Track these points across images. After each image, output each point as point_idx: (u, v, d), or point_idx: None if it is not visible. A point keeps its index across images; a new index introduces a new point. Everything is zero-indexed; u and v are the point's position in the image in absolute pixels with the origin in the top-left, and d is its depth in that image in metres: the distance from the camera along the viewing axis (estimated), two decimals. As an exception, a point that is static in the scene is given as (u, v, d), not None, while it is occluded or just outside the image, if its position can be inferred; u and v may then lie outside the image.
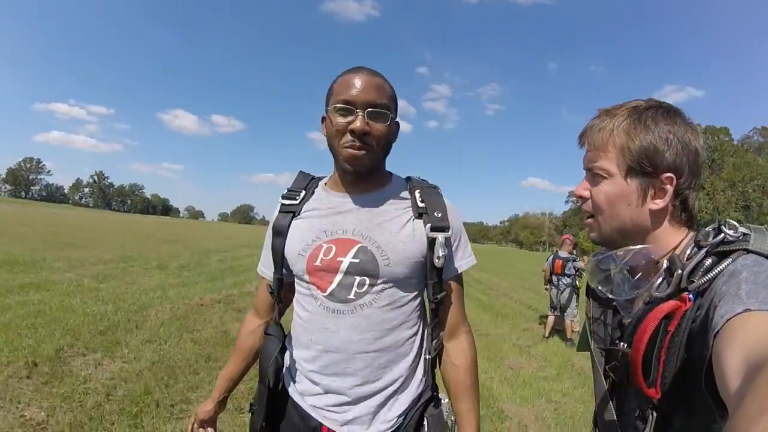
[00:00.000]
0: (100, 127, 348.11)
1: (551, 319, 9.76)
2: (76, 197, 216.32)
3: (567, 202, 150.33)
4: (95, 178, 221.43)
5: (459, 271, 1.71)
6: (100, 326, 6.63)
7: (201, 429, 1.91)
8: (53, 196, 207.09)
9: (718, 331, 0.81)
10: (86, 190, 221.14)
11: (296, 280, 1.68)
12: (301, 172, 1.83)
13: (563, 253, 9.93)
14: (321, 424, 1.58)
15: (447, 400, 1.71)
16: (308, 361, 1.61)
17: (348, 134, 1.49)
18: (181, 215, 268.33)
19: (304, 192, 1.72)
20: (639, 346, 0.97)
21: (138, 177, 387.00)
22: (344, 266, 1.54)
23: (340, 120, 1.49)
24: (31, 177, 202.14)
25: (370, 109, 1.48)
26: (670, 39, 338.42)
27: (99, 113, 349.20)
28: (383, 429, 1.56)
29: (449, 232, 1.59)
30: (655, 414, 1.04)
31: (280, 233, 1.66)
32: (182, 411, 4.33)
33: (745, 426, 0.58)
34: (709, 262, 0.99)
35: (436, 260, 1.53)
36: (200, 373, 5.32)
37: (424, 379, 1.66)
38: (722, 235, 1.01)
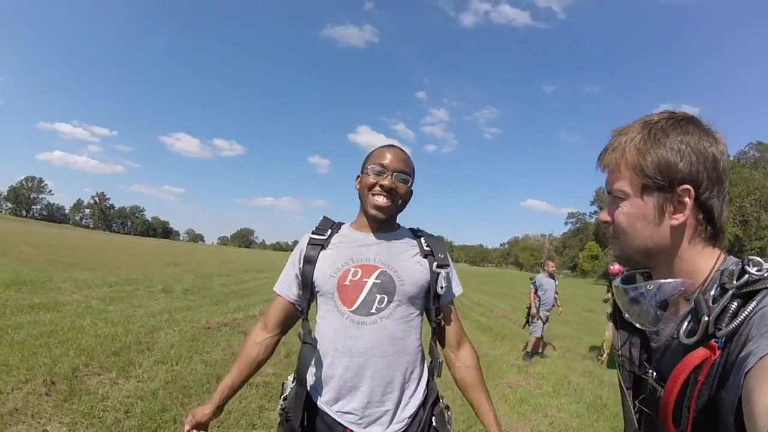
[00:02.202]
0: (102, 149, 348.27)
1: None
2: (77, 217, 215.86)
3: (566, 223, 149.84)
4: (96, 199, 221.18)
5: (455, 296, 2.22)
6: (112, 347, 6.77)
7: (194, 431, 2.07)
8: (54, 215, 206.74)
9: (749, 370, 0.80)
10: (87, 210, 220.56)
11: (321, 299, 2.03)
12: (324, 217, 2.23)
13: (542, 276, 10.36)
14: (345, 429, 1.91)
15: (443, 400, 2.13)
16: (333, 367, 1.94)
17: (378, 188, 1.99)
18: (181, 238, 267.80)
19: (330, 230, 2.12)
20: (670, 398, 0.97)
21: (139, 199, 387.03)
22: (369, 285, 1.95)
23: (373, 178, 2.00)
24: (32, 196, 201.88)
25: (396, 174, 2.00)
26: (664, 58, 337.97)
27: (102, 135, 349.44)
28: (398, 428, 1.93)
29: (449, 269, 2.10)
30: None
31: (310, 261, 2.03)
32: (198, 429, 4.43)
33: None
34: (734, 306, 0.95)
35: (440, 289, 2.03)
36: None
37: (428, 384, 2.08)
38: (746, 276, 0.97)
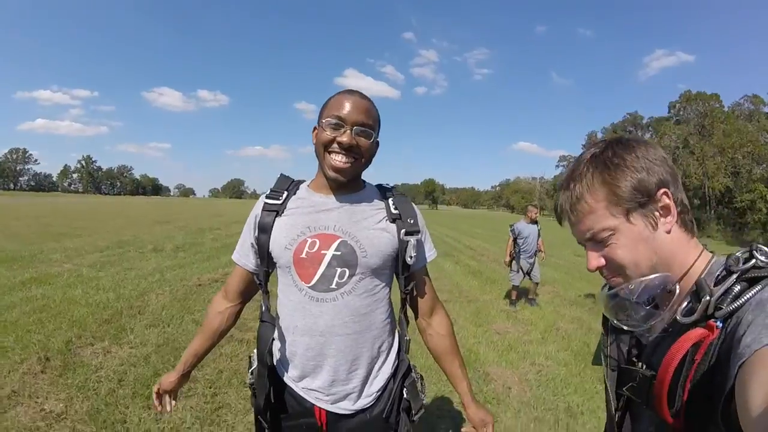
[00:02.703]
0: (84, 111, 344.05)
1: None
2: (65, 184, 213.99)
3: (557, 166, 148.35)
4: (83, 163, 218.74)
5: (427, 262, 2.00)
6: (104, 315, 6.87)
7: (158, 401, 2.07)
8: (42, 185, 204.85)
9: (744, 361, 0.79)
10: (75, 175, 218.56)
11: (280, 272, 1.87)
12: (282, 175, 2.01)
13: (521, 223, 9.87)
14: (313, 405, 1.85)
15: (415, 370, 2.04)
16: (294, 345, 1.84)
17: (335, 145, 1.73)
18: (172, 194, 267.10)
19: (286, 192, 1.90)
20: (665, 376, 0.97)
21: (126, 158, 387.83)
22: (327, 258, 1.76)
23: (330, 133, 1.73)
24: (18, 168, 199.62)
25: (357, 128, 1.73)
26: (660, 2, 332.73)
27: (83, 97, 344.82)
28: (366, 402, 1.87)
29: (419, 235, 1.90)
30: None
31: (264, 230, 1.83)
32: (190, 389, 4.60)
33: None
34: (738, 288, 0.95)
35: (409, 259, 1.83)
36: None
37: (398, 356, 1.98)
38: (753, 260, 0.97)
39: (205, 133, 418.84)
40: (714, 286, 1.00)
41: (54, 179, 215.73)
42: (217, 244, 16.69)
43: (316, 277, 1.77)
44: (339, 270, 1.77)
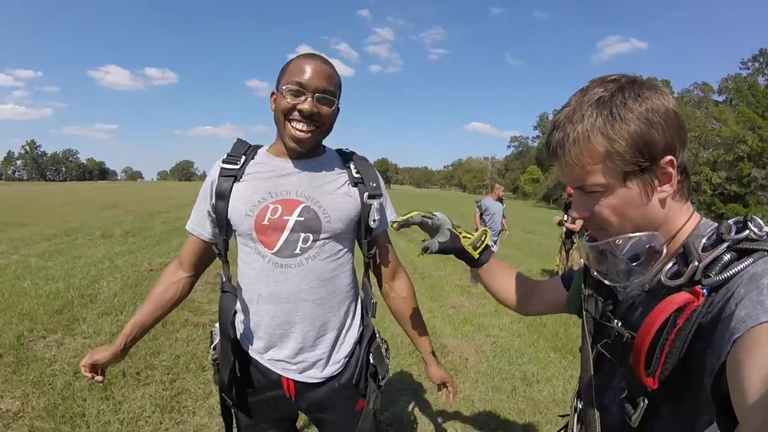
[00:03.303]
0: (27, 93, 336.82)
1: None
2: (9, 171, 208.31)
3: (509, 146, 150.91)
4: (27, 148, 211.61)
5: (387, 226, 2.00)
6: (55, 306, 6.72)
7: (89, 372, 1.90)
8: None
9: (739, 337, 0.78)
10: (19, 162, 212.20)
11: (240, 239, 1.84)
12: (239, 139, 1.95)
13: (488, 200, 9.96)
14: (280, 376, 1.85)
15: (379, 335, 2.07)
16: (259, 314, 1.83)
17: (296, 113, 1.69)
18: (119, 178, 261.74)
19: (243, 157, 1.85)
20: (646, 337, 0.95)
21: (71, 141, 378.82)
22: (291, 224, 1.75)
23: (290, 100, 1.68)
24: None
25: (318, 94, 1.68)
26: None
27: (25, 78, 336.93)
28: (334, 369, 1.88)
29: (382, 198, 1.91)
30: (646, 401, 1.03)
31: (222, 196, 1.79)
32: (148, 377, 4.58)
33: None
34: (727, 257, 0.93)
35: (372, 222, 1.86)
36: (159, 338, 5.54)
37: (363, 322, 2.01)
38: (747, 231, 0.94)
39: (154, 113, 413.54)
40: (702, 252, 0.99)
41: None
42: (168, 227, 16.50)
43: (279, 243, 1.76)
44: (303, 235, 1.77)
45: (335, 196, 1.83)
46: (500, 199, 9.88)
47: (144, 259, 10.21)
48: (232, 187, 1.79)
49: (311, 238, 1.78)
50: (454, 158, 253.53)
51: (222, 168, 1.82)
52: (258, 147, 1.94)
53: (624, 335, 1.08)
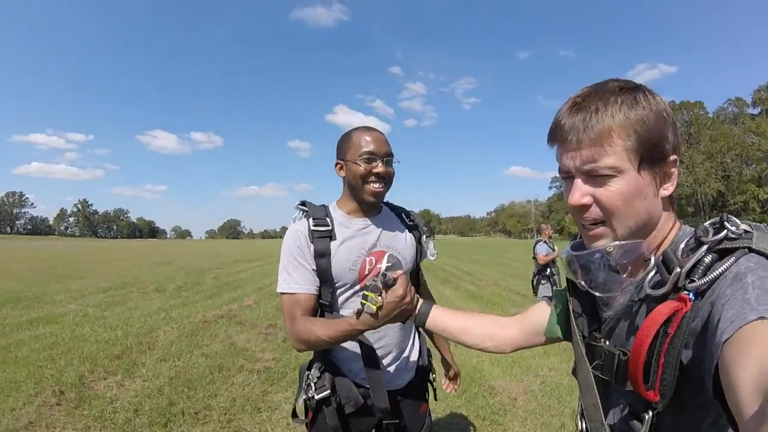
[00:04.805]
0: (79, 155, 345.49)
1: None
2: (62, 227, 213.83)
3: (550, 187, 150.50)
4: (79, 206, 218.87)
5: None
6: (114, 351, 6.94)
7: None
8: (38, 228, 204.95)
9: (729, 338, 0.77)
10: (71, 219, 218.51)
11: (340, 288, 2.08)
12: (308, 203, 2.17)
13: (542, 245, 9.59)
14: (367, 389, 2.08)
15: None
16: (354, 345, 2.07)
17: (373, 176, 2.03)
18: (168, 236, 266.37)
19: (329, 219, 2.10)
20: (640, 351, 0.94)
21: (122, 201, 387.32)
22: (382, 269, 1.94)
23: (365, 167, 2.01)
24: (14, 211, 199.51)
25: (386, 158, 2.05)
26: (638, 17, 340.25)
27: (78, 140, 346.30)
28: (409, 377, 2.26)
29: (431, 237, 2.38)
30: (651, 414, 1.02)
31: (323, 255, 2.02)
32: (206, 416, 4.72)
33: None
34: (708, 259, 0.93)
35: (431, 256, 2.36)
36: (216, 383, 5.69)
37: (420, 336, 2.39)
38: (725, 231, 0.94)
39: (201, 175, 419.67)
40: (682, 257, 0.99)
41: (50, 223, 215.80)
42: (219, 283, 16.77)
43: None
44: None
45: (406, 243, 2.24)
46: (550, 239, 9.76)
47: (198, 312, 10.39)
48: (329, 246, 2.04)
49: None
50: (496, 204, 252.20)
51: (315, 230, 2.04)
52: (326, 206, 2.20)
53: (615, 354, 1.09)
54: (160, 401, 5.04)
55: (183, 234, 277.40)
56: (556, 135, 1.09)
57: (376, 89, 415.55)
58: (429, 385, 2.41)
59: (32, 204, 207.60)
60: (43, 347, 7.05)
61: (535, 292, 9.56)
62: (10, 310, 9.90)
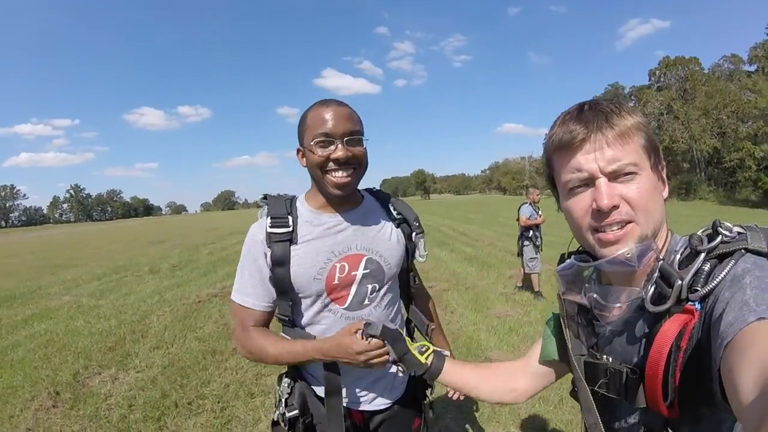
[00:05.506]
0: (67, 140, 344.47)
1: (520, 270, 9.58)
2: (57, 215, 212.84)
3: (544, 143, 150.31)
4: (72, 192, 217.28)
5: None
6: (108, 343, 6.96)
7: None
8: (33, 218, 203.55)
9: (729, 341, 0.77)
10: (65, 206, 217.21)
11: (304, 302, 1.78)
12: (270, 196, 1.85)
13: (526, 207, 9.34)
14: (350, 410, 1.87)
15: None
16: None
17: (331, 163, 1.64)
18: (164, 213, 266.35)
19: (290, 218, 1.76)
20: (657, 371, 0.93)
21: (114, 182, 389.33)
22: (358, 278, 1.78)
23: (321, 152, 1.64)
24: (8, 204, 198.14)
25: (347, 138, 1.64)
26: None
27: (64, 126, 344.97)
28: (398, 394, 1.97)
29: (423, 234, 1.99)
30: (670, 431, 1.01)
31: (281, 263, 1.70)
32: (199, 406, 4.73)
33: None
34: (707, 267, 0.94)
35: (420, 258, 1.98)
36: (209, 369, 5.72)
37: None
38: (720, 237, 0.96)
39: (191, 149, 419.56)
40: (680, 269, 0.98)
41: (45, 212, 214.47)
42: (214, 258, 16.86)
43: (350, 298, 1.79)
44: (370, 286, 1.82)
45: (390, 242, 1.87)
46: (535, 203, 9.39)
47: (192, 292, 10.43)
48: (289, 252, 1.72)
49: (377, 287, 1.83)
50: (491, 162, 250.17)
51: (271, 233, 1.72)
52: (292, 199, 1.86)
53: (623, 372, 1.06)
54: (154, 393, 5.05)
55: (178, 209, 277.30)
56: (572, 140, 1.04)
57: (364, 50, 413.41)
58: (426, 396, 2.10)
59: (25, 195, 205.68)
60: (38, 346, 7.04)
61: (520, 254, 9.33)
62: (5, 310, 9.86)
